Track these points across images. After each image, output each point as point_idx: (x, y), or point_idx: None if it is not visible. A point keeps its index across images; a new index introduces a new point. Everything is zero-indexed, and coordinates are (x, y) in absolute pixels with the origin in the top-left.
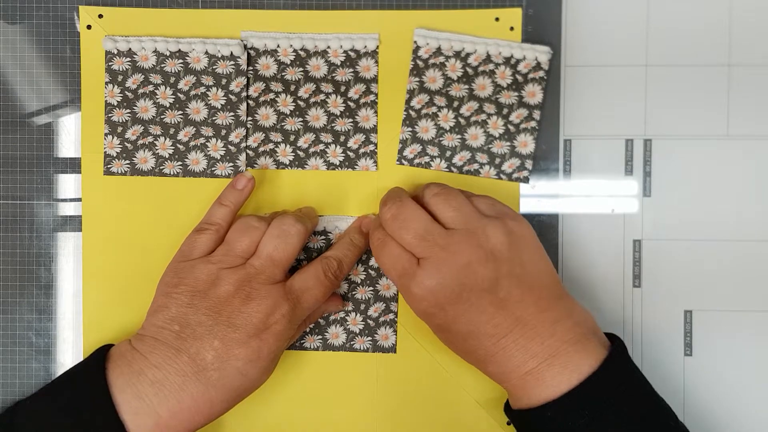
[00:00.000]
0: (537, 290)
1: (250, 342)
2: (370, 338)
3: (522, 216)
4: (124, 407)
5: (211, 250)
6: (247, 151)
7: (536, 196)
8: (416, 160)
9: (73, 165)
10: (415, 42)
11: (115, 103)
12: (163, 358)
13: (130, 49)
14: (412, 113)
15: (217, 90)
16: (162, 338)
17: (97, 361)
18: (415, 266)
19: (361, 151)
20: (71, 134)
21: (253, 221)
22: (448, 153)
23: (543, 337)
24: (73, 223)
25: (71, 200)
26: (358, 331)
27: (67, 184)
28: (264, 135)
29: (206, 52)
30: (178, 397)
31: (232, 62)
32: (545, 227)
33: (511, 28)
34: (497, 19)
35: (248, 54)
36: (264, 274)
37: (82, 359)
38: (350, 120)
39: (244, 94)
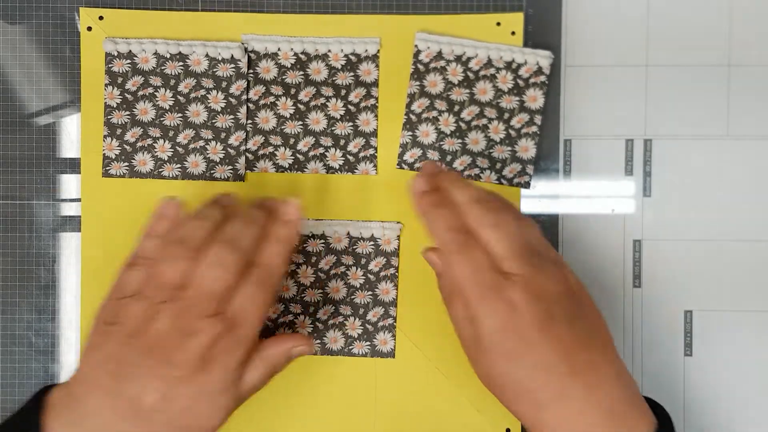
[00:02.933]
0: (600, 338)
1: (195, 378)
2: (368, 343)
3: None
4: None
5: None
6: (247, 154)
7: (536, 196)
8: (417, 165)
9: (73, 165)
10: (416, 46)
11: (115, 105)
12: (100, 404)
13: (130, 51)
14: (413, 117)
15: (217, 93)
16: (97, 381)
17: (34, 413)
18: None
19: (361, 154)
20: (72, 134)
21: (177, 249)
22: (449, 157)
23: (604, 392)
24: (74, 224)
25: (72, 200)
26: (356, 336)
27: (68, 185)
28: (264, 138)
29: (207, 55)
30: None
31: (233, 65)
32: (545, 227)
33: (513, 33)
34: (498, 24)
35: (249, 57)
36: (199, 307)
37: (18, 407)
38: (350, 124)
39: (244, 97)
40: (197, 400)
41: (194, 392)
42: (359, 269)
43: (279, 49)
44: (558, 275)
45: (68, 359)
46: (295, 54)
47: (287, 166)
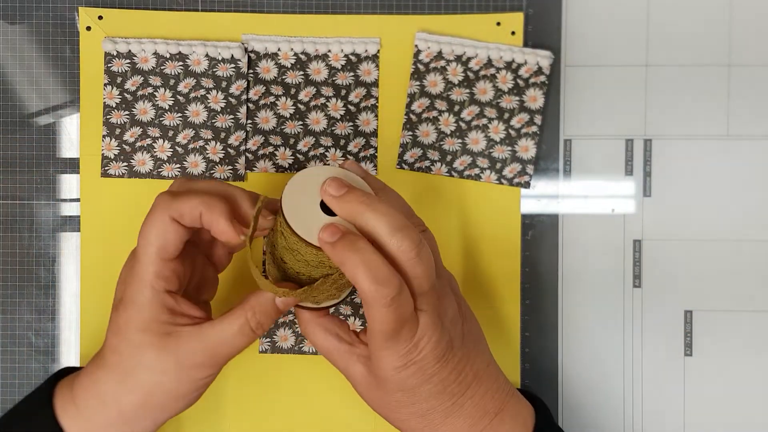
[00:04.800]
0: (481, 344)
1: (112, 313)
2: None
3: None
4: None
5: None
6: (247, 154)
7: (536, 196)
8: (417, 165)
9: (73, 165)
10: (416, 46)
11: (114, 105)
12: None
13: (129, 50)
14: (413, 117)
15: (217, 93)
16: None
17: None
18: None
19: (361, 154)
20: (71, 134)
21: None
22: (449, 157)
23: (492, 392)
24: (74, 224)
25: (71, 200)
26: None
27: (68, 184)
28: (264, 138)
29: (206, 55)
30: (81, 378)
31: (233, 65)
32: (545, 227)
33: (513, 33)
34: (498, 24)
35: (249, 57)
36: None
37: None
38: (350, 124)
39: (244, 97)
40: (116, 336)
41: (112, 328)
42: None
43: (279, 49)
44: (450, 295)
45: (68, 359)
46: (295, 54)
47: (287, 166)
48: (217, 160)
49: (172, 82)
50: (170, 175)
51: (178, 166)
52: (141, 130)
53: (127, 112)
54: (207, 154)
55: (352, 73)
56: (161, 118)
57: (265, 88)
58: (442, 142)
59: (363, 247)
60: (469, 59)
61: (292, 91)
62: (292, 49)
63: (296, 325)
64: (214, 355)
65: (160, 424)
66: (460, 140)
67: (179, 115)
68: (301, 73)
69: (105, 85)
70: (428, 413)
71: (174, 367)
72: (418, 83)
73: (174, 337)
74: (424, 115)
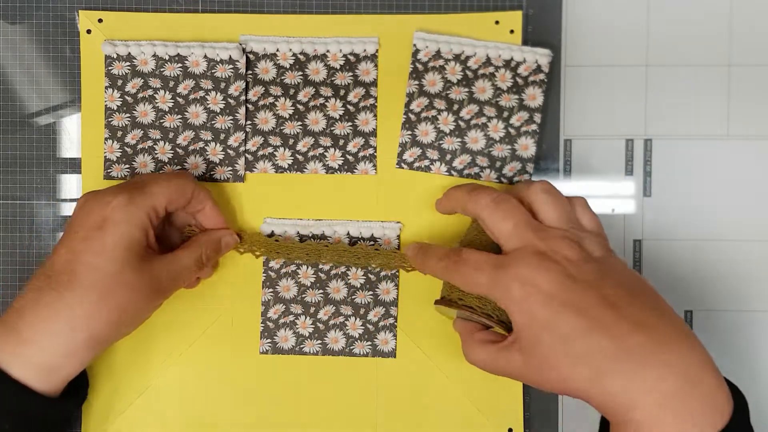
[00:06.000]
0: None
1: (92, 235)
2: (369, 343)
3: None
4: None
5: None
6: (246, 155)
7: None
8: (416, 164)
9: (73, 165)
10: (415, 45)
11: (115, 108)
12: (25, 291)
13: (129, 53)
14: (412, 116)
15: (216, 94)
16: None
17: None
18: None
19: (361, 154)
20: (72, 135)
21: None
22: (448, 156)
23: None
24: None
25: (72, 200)
26: (357, 336)
27: (68, 185)
28: (263, 139)
29: (205, 56)
30: (35, 312)
31: (231, 66)
32: None
33: (511, 31)
34: (497, 23)
35: (247, 58)
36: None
37: None
38: (349, 123)
39: (243, 97)
40: (99, 256)
41: (94, 248)
42: (360, 269)
43: (277, 50)
44: (563, 237)
45: None
46: (294, 54)
47: (287, 167)
48: (217, 162)
49: (171, 84)
50: None
51: (178, 167)
52: (142, 132)
53: (128, 115)
54: (207, 155)
55: (350, 73)
56: (161, 120)
57: (263, 88)
58: (441, 141)
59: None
60: (467, 58)
61: (291, 91)
62: (290, 49)
63: (297, 326)
64: (175, 281)
65: (102, 351)
66: (459, 139)
67: (179, 116)
68: (300, 73)
69: (106, 88)
70: (589, 355)
71: (147, 287)
72: (416, 82)
73: (147, 261)
74: (423, 114)
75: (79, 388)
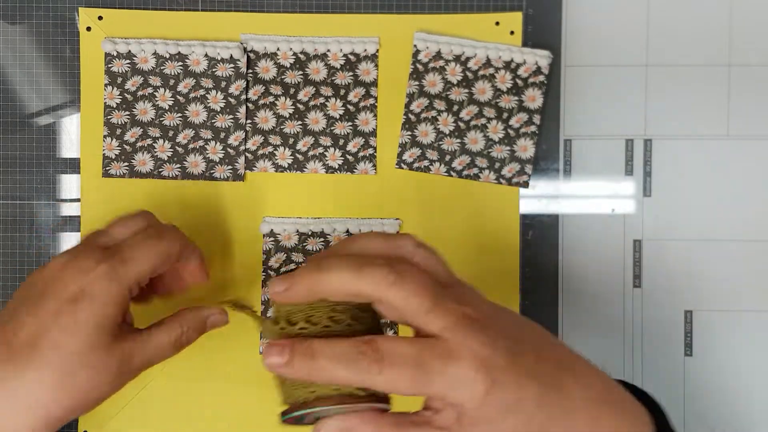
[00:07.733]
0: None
1: (65, 309)
2: None
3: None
4: None
5: None
6: (246, 154)
7: (536, 196)
8: (415, 164)
9: (73, 165)
10: (415, 45)
11: (115, 105)
12: None
13: (129, 51)
14: (412, 117)
15: (217, 93)
16: None
17: None
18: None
19: (360, 154)
20: (72, 134)
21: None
22: (448, 157)
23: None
24: (74, 224)
25: (71, 200)
26: None
27: (68, 185)
28: (263, 138)
29: (206, 55)
30: None
31: (232, 65)
32: (545, 227)
33: (512, 33)
34: (497, 24)
35: (248, 57)
36: (93, 248)
37: None
38: (349, 123)
39: (243, 97)
40: (68, 334)
41: (64, 324)
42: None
43: (278, 49)
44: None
45: None
46: (294, 54)
47: (287, 166)
48: (217, 160)
49: (171, 82)
50: (171, 175)
51: (178, 166)
52: (141, 130)
53: (127, 113)
54: (207, 154)
55: (351, 73)
56: (161, 119)
57: (264, 87)
58: (440, 142)
59: (318, 348)
60: (468, 59)
61: (292, 90)
62: (291, 48)
63: None
64: (147, 361)
65: (60, 426)
66: (458, 140)
67: (179, 115)
68: (300, 72)
69: (105, 85)
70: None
71: (115, 369)
72: (417, 83)
73: (119, 339)
74: (423, 115)
75: None
